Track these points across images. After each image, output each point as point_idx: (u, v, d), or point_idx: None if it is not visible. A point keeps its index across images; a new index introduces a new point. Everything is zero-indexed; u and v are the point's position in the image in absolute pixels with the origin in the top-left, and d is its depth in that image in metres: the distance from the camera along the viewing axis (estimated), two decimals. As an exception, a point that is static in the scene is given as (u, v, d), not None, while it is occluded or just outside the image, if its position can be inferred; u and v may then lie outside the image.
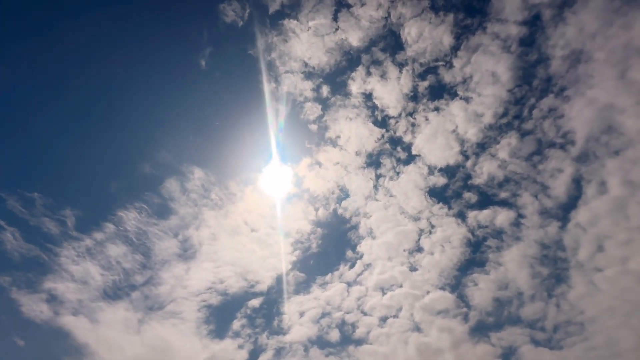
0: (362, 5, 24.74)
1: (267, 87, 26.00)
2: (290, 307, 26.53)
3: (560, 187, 24.33)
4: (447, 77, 26.47)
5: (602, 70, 22.77)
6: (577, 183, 23.84)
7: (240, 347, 24.56)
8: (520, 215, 25.21)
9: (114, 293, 24.11)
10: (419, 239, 26.73)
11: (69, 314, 22.63)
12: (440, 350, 23.56)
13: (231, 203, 27.40)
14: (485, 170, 26.18)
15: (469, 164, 26.59)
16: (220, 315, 25.68)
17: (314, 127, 27.89)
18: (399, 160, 27.67)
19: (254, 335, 25.34)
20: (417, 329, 24.44)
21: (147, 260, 25.40)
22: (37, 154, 25.44)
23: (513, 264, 24.61)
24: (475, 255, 25.71)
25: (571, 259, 23.37)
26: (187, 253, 26.21)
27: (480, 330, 23.70)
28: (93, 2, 24.27)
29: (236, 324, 25.53)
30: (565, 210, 24.07)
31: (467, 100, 26.15)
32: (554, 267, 23.75)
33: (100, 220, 24.83)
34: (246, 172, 27.87)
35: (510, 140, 25.67)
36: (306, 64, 26.37)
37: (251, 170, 28.15)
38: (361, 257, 27.36)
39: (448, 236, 26.33)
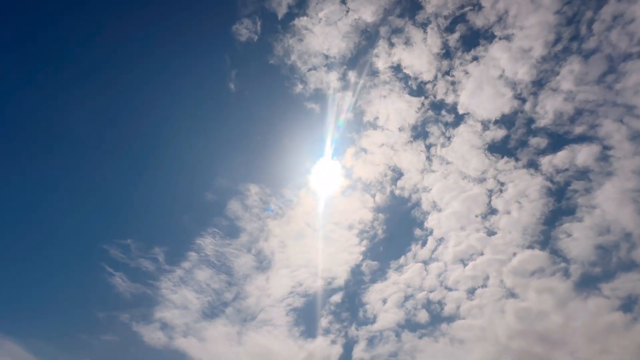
0: (367, -22, 23.72)
1: (295, 90, 26.40)
2: (371, 296, 26.60)
3: (650, 102, 20.51)
4: (478, 21, 24.03)
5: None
6: (672, 91, 19.88)
7: (333, 342, 25.36)
8: (605, 147, 21.86)
9: (211, 312, 26.68)
10: (490, 201, 24.77)
11: (180, 337, 25.65)
12: (544, 312, 21.59)
13: (290, 209, 28.39)
14: (549, 108, 23.19)
15: (527, 106, 23.81)
16: (307, 316, 26.81)
17: (350, 115, 27.53)
18: (447, 124, 25.93)
19: (343, 330, 25.96)
20: (512, 294, 22.72)
21: (230, 278, 27.61)
22: (118, 202, 29.25)
23: (610, 204, 21.45)
24: (561, 203, 23.00)
25: (686, 181, 19.62)
26: (263, 264, 27.88)
27: (586, 284, 21.16)
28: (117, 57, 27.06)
29: (324, 322, 26.41)
30: (663, 127, 20.27)
31: (508, 38, 23.44)
32: (665, 196, 20.19)
33: (184, 251, 27.66)
34: (296, 177, 28.62)
35: (572, 67, 22.35)
36: (327, 56, 26.12)
37: (300, 173, 28.82)
38: (431, 232, 26.29)
39: (522, 190, 23.94)
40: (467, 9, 23.71)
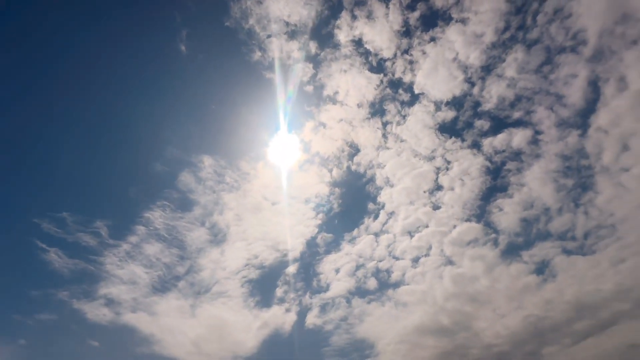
0: (332, -59, 22.57)
1: (252, 57, 24.98)
2: (325, 266, 27.86)
3: (575, 93, 23.10)
4: (437, 1, 24.44)
5: (609, -48, 20.37)
6: (594, 85, 22.54)
7: (288, 310, 26.45)
8: (537, 132, 24.43)
9: (162, 286, 25.96)
10: (437, 178, 26.69)
11: (128, 312, 24.78)
12: (475, 277, 24.53)
13: (247, 182, 27.87)
14: (494, 93, 25.01)
15: (475, 90, 25.43)
16: (263, 287, 27.41)
17: (309, 88, 27.03)
18: (403, 103, 26.77)
19: (297, 298, 27.08)
20: (450, 262, 25.34)
21: (183, 252, 26.85)
22: (52, 174, 26.27)
23: (536, 182, 24.39)
24: (497, 181, 25.59)
25: (595, 164, 22.90)
26: (217, 237, 27.43)
27: (511, 252, 24.32)
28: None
29: (279, 291, 27.26)
30: (583, 117, 23.11)
31: (463, 22, 24.31)
32: (578, 177, 23.43)
33: (130, 224, 26.04)
34: (253, 149, 27.88)
35: (516, 55, 24.08)
36: (287, 23, 24.90)
37: (257, 146, 28.11)
38: (383, 207, 27.82)
39: (466, 169, 26.10)
40: (428, -13, 23.92)
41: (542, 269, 23.03)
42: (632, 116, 21.78)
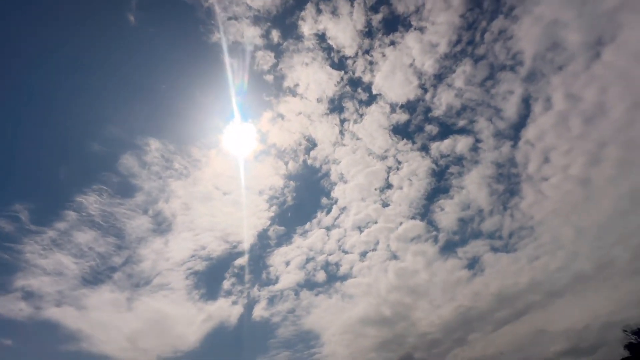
0: None
1: (211, 38, 23.65)
2: (276, 259, 27.76)
3: (511, 108, 25.79)
4: (399, 6, 25.42)
5: (547, -16, 22.85)
6: (526, 102, 25.36)
7: (235, 303, 25.91)
8: (477, 140, 26.85)
9: (94, 278, 23.70)
10: (388, 177, 28.03)
11: (52, 307, 22.21)
12: (416, 271, 26.36)
13: (197, 170, 26.51)
14: (443, 101, 26.87)
15: (428, 96, 27.05)
16: (209, 279, 26.46)
17: (269, 77, 26.45)
18: (361, 102, 27.49)
19: (245, 291, 26.64)
20: (394, 257, 26.87)
21: (121, 241, 24.77)
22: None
23: (473, 186, 26.86)
24: (440, 183, 27.65)
25: (522, 173, 25.87)
26: (162, 227, 25.76)
27: (448, 248, 26.54)
28: None
29: (226, 284, 26.56)
30: (516, 130, 25.93)
31: (421, 30, 25.61)
32: (508, 183, 26.27)
33: (57, 209, 23.30)
34: (206, 135, 26.59)
35: (465, 68, 26.09)
36: (250, 7, 23.99)
37: (211, 132, 26.87)
38: (336, 202, 28.46)
39: (414, 170, 27.78)
40: (392, -8, 24.71)
41: (473, 264, 25.54)
42: (554, 133, 24.97)
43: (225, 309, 25.40)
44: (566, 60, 23.55)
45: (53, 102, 23.34)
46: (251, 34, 24.26)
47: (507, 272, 24.93)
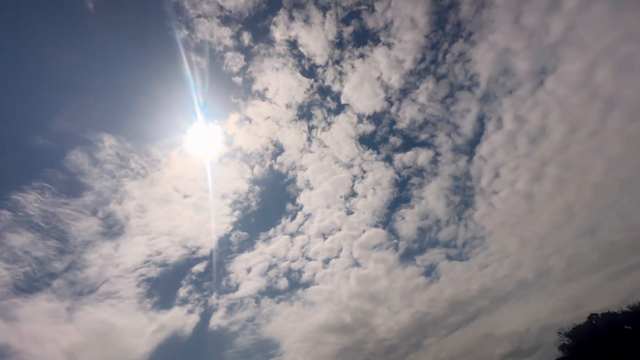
0: (277, -64, 22.27)
1: (178, 34, 22.73)
2: (237, 265, 26.93)
3: (467, 125, 27.74)
4: (370, 22, 26.38)
5: (501, 15, 25.14)
6: (481, 121, 27.44)
7: (190, 311, 24.62)
8: (437, 154, 28.43)
9: (29, 286, 21.23)
10: (353, 185, 28.62)
11: (-27, 319, 19.48)
12: (377, 278, 27.03)
13: (156, 170, 25.08)
14: (407, 114, 28.18)
15: (393, 109, 28.21)
16: (164, 286, 24.93)
17: (238, 79, 25.96)
18: (329, 110, 27.92)
19: (203, 299, 25.46)
20: (357, 264, 27.34)
21: (64, 245, 22.54)
22: None
23: (432, 197, 28.32)
24: (402, 193, 28.79)
25: (476, 186, 27.81)
26: (112, 230, 23.87)
27: (408, 256, 27.61)
28: None
29: (182, 292, 25.19)
30: (471, 146, 27.89)
31: (389, 46, 26.76)
32: (463, 195, 28.07)
33: (-12, 208, 20.66)
34: (168, 135, 25.34)
35: (428, 85, 27.64)
36: (221, 7, 23.51)
37: (174, 131, 25.65)
38: (301, 208, 28.41)
39: (378, 179, 28.67)
40: (362, 7, 25.64)
41: (430, 271, 26.79)
42: (504, 150, 27.20)
43: (180, 319, 24.05)
44: (515, 85, 25.97)
45: (-10, 87, 20.97)
46: (221, 34, 23.75)
47: (460, 279, 26.54)
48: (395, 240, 27.93)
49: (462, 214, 28.00)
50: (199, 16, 22.40)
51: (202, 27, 22.87)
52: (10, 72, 20.46)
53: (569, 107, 25.20)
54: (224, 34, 23.63)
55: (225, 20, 23.26)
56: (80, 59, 22.46)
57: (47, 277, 21.85)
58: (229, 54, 24.28)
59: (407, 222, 28.29)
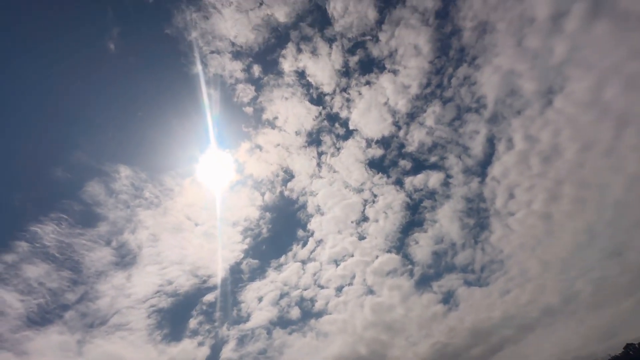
0: (285, -22, 23.86)
1: (192, 69, 23.98)
2: (248, 294, 26.37)
3: (477, 146, 27.61)
4: (374, 51, 27.34)
5: (503, 40, 25.72)
6: (491, 142, 27.30)
7: (201, 344, 23.90)
8: (448, 176, 28.16)
9: (41, 318, 21.18)
10: (364, 209, 28.33)
11: (-15, 353, 19.37)
12: (392, 306, 25.94)
13: (169, 199, 25.49)
14: (415, 138, 28.32)
15: (401, 133, 28.44)
16: (174, 317, 24.47)
17: (249, 109, 26.85)
18: (338, 136, 28.35)
19: (213, 330, 24.78)
20: (371, 291, 26.41)
21: (77, 276, 22.65)
22: None
23: (446, 220, 27.68)
24: (415, 216, 28.27)
25: (490, 208, 27.15)
26: (125, 260, 23.97)
27: (424, 282, 26.57)
28: None
29: (193, 323, 24.63)
30: (483, 167, 27.57)
31: (394, 72, 27.49)
32: (478, 217, 27.36)
33: (8, 240, 21.17)
34: (181, 164, 25.97)
35: (434, 109, 27.97)
36: (233, 43, 24.84)
37: (186, 161, 26.33)
38: (312, 234, 28.09)
39: (389, 203, 28.35)
40: (367, 37, 26.69)
41: (448, 298, 25.60)
42: (516, 170, 26.76)
43: (190, 352, 23.34)
44: (523, 105, 26.01)
45: (17, 124, 22.18)
46: (232, 67, 24.90)
47: (480, 306, 25.19)
48: (409, 266, 27.10)
49: (478, 236, 27.19)
50: (212, 52, 23.67)
51: (214, 62, 24.07)
52: (34, 108, 21.67)
53: (580, 125, 24.94)
54: (236, 68, 24.76)
55: (237, 54, 24.45)
56: (100, 95, 23.72)
57: (59, 308, 21.82)
58: (240, 86, 25.28)
59: (421, 246, 27.57)
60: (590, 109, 24.68)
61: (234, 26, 23.99)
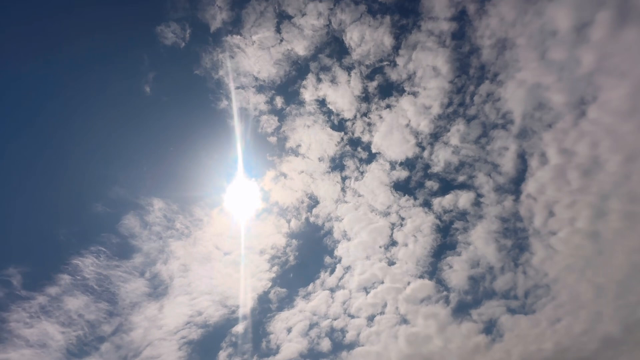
0: (303, 15, 25.27)
1: (219, 105, 25.45)
2: (277, 325, 25.81)
3: (508, 163, 26.45)
4: (393, 75, 27.77)
5: (525, 54, 25.27)
6: (522, 157, 26.09)
7: (231, 378, 23.38)
8: (478, 195, 26.96)
9: (79, 350, 21.80)
10: (392, 233, 27.50)
11: (28, 385, 20.05)
12: (429, 337, 24.24)
13: (198, 229, 26.20)
14: (441, 157, 27.69)
15: (425, 154, 27.99)
16: (204, 349, 24.28)
17: (273, 139, 27.72)
18: (361, 160, 28.37)
19: (243, 363, 24.25)
20: (404, 321, 24.96)
21: (113, 307, 23.36)
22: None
23: (480, 242, 26.16)
24: (446, 239, 27.00)
25: (528, 227, 25.41)
26: (157, 290, 24.52)
27: (461, 310, 24.79)
28: (21, 34, 22.22)
29: (222, 355, 24.27)
30: (516, 184, 26.20)
31: (414, 94, 27.60)
32: (516, 238, 25.64)
33: (52, 273, 22.44)
34: (209, 195, 26.86)
35: (458, 127, 27.45)
36: (256, 78, 26.24)
37: (214, 192, 27.19)
38: (340, 260, 27.48)
39: (418, 226, 27.36)
40: (385, 63, 27.23)
41: (490, 328, 23.61)
42: (554, 186, 25.16)
43: (220, 386, 22.84)
44: (554, 118, 24.89)
45: (64, 165, 24.16)
46: (256, 100, 26.08)
47: (528, 336, 22.89)
48: (444, 292, 25.49)
49: (517, 259, 25.29)
50: (237, 88, 25.06)
51: (240, 97, 25.38)
52: (82, 149, 23.66)
53: (620, 135, 23.32)
54: (259, 100, 25.94)
55: (260, 88, 25.70)
56: (137, 133, 25.51)
57: (96, 340, 22.39)
58: (264, 117, 26.33)
59: (456, 270, 26.00)
60: (629, 117, 23.15)
61: (257, 63, 25.39)
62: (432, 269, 26.32)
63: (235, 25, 24.59)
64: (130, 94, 24.67)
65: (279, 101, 26.76)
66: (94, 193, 24.49)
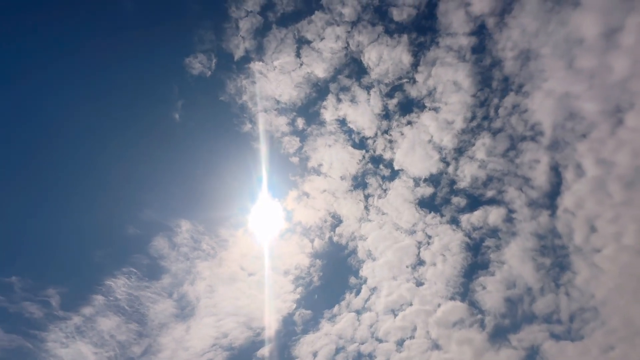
0: (322, 39, 26.17)
1: (243, 128, 26.42)
2: (302, 348, 25.13)
3: (540, 176, 25.09)
4: (413, 92, 27.74)
5: (551, 64, 24.49)
6: (555, 170, 24.70)
7: (256, 405, 22.77)
8: (510, 211, 25.60)
9: (110, 371, 22.21)
10: (419, 252, 26.50)
11: (61, 406, 20.53)
12: (464, 364, 22.61)
13: (224, 250, 26.58)
14: (467, 172, 26.81)
15: (450, 169, 27.23)
16: (229, 374, 23.98)
17: (295, 159, 28.15)
18: (384, 177, 28.04)
19: (268, 389, 23.64)
20: (436, 346, 23.53)
21: (142, 328, 23.80)
22: (8, 232, 24.22)
23: (515, 260, 24.57)
24: (477, 258, 25.61)
25: (568, 244, 23.63)
26: (185, 311, 24.81)
27: (499, 335, 23.06)
28: (54, 67, 24.53)
29: (247, 380, 23.84)
30: (551, 198, 24.68)
31: (436, 110, 27.29)
32: (555, 256, 23.87)
33: (87, 293, 23.40)
34: (234, 216, 27.37)
35: (484, 141, 26.63)
36: (278, 101, 27.11)
37: (239, 212, 27.69)
38: (365, 281, 26.69)
39: (446, 244, 26.24)
40: (404, 80, 27.33)
41: (532, 355, 21.72)
42: (593, 200, 23.48)
43: (246, 413, 22.27)
44: (588, 127, 23.57)
45: (100, 188, 25.68)
46: (278, 122, 26.83)
47: (577, 365, 20.80)
48: (479, 315, 23.90)
49: (558, 279, 23.40)
50: (260, 111, 25.94)
51: (262, 120, 26.23)
52: (113, 173, 25.13)
53: (665, 143, 21.67)
54: (281, 122, 26.65)
55: (282, 110, 26.49)
56: (167, 158, 26.84)
57: (126, 362, 22.76)
58: (285, 139, 26.94)
59: (490, 292, 24.42)
60: (674, 124, 21.56)
61: (278, 86, 26.32)
62: (464, 289, 24.93)
63: (258, 52, 25.86)
64: (161, 121, 26.25)
65: (300, 122, 27.36)
66: (127, 215, 25.71)
